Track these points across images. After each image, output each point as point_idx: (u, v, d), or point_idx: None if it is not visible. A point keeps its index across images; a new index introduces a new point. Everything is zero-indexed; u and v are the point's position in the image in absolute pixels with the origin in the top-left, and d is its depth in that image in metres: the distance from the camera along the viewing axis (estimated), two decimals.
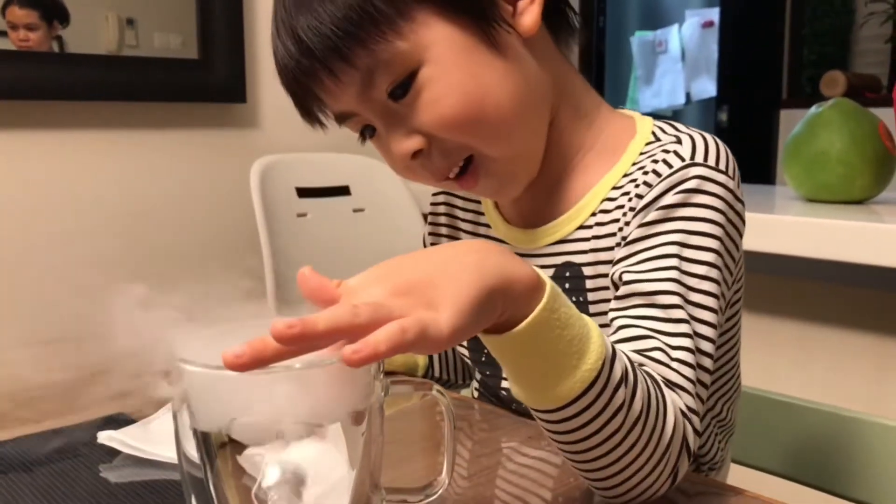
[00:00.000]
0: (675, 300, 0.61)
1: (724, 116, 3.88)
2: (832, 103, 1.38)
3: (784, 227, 1.19)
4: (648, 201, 0.65)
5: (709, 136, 0.68)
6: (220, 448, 0.44)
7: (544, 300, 0.48)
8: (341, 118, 0.69)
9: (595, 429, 0.52)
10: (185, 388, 0.44)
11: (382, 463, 0.47)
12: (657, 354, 0.59)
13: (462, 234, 0.83)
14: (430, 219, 0.87)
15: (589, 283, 0.70)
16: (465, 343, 0.81)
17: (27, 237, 1.57)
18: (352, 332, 0.41)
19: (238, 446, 0.43)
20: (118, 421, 0.71)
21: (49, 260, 1.59)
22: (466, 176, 0.69)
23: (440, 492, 0.50)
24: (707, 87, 3.85)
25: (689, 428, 0.57)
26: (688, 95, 3.94)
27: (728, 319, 0.73)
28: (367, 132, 0.70)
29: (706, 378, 0.61)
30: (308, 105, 0.69)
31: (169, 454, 0.63)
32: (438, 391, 0.49)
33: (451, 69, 0.64)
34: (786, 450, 0.89)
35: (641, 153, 0.70)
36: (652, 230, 0.64)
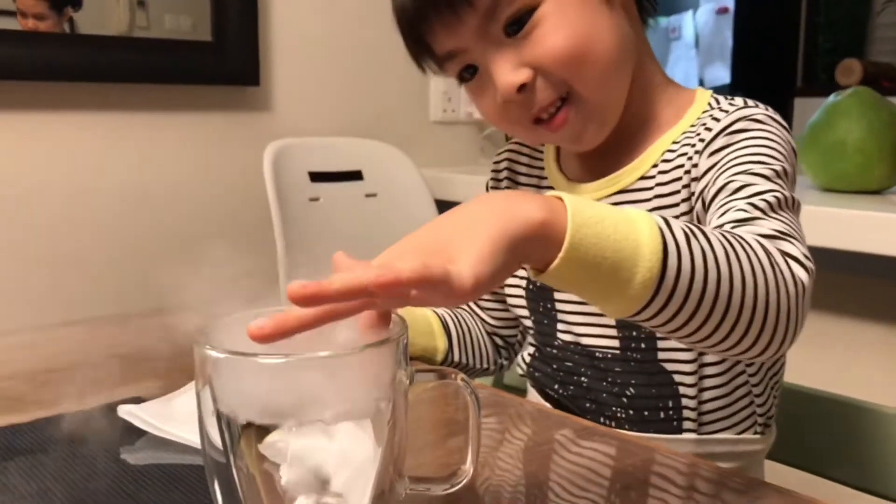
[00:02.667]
0: (759, 189, 0.64)
1: None
2: (850, 92, 1.36)
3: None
4: (715, 133, 0.70)
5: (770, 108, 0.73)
6: (243, 429, 0.43)
7: (569, 229, 0.47)
8: (446, 58, 0.73)
9: (698, 292, 0.50)
10: (209, 373, 0.44)
11: (407, 451, 0.47)
12: (753, 222, 0.61)
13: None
14: (490, 184, 0.90)
15: None
16: (524, 304, 0.83)
17: (39, 219, 1.57)
18: (369, 289, 0.40)
19: (262, 431, 0.43)
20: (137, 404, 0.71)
21: (60, 242, 1.59)
22: (558, 114, 0.72)
23: (465, 481, 0.50)
24: (721, 74, 3.82)
25: (789, 245, 0.58)
26: (701, 82, 3.91)
27: None
28: (466, 73, 0.74)
29: (804, 242, 0.61)
30: (419, 44, 0.73)
31: (189, 436, 0.63)
32: (463, 380, 0.49)
33: (567, 8, 0.69)
34: (800, 440, 0.89)
35: (699, 118, 0.75)
36: (720, 154, 0.69)
